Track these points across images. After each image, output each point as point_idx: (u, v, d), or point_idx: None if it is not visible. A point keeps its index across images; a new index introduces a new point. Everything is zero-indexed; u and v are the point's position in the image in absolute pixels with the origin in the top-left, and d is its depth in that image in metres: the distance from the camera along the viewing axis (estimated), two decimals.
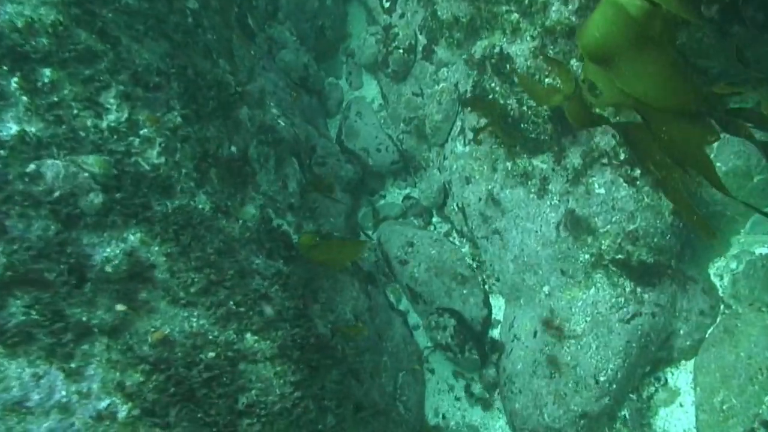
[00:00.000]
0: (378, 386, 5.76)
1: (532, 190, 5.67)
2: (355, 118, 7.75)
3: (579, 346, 5.28)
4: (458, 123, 6.47)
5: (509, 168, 5.84)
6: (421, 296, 6.47)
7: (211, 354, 3.85)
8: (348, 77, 8.35)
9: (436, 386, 6.41)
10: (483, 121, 5.90)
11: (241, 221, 5.07)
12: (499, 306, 6.41)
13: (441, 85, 6.52)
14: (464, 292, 6.30)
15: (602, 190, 5.08)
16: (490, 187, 6.08)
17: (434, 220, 7.38)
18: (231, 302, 4.17)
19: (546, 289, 5.71)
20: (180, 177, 4.69)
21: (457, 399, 6.32)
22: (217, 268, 4.31)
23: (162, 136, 4.56)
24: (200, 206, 4.72)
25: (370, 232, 7.57)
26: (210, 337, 3.96)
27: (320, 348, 4.51)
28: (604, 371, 5.12)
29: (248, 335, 4.13)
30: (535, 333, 5.73)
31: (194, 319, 3.97)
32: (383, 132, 7.66)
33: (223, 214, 4.92)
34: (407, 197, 7.70)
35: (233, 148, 5.60)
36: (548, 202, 5.52)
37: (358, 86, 8.27)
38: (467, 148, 6.26)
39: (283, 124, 6.60)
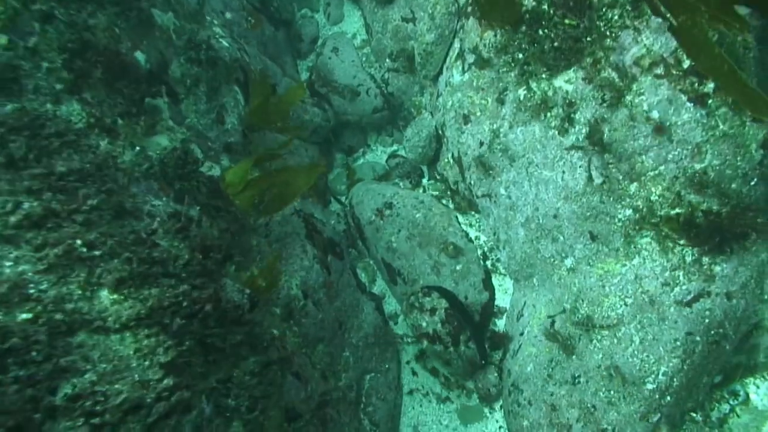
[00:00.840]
0: (332, 390, 4.38)
1: (552, 124, 4.30)
2: (331, 54, 6.42)
3: (616, 340, 3.89)
4: (456, 45, 5.13)
5: (522, 97, 4.48)
6: (400, 273, 5.09)
7: (24, 316, 2.52)
8: (326, 9, 7.04)
9: (417, 395, 5.01)
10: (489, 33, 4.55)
11: (137, 148, 3.79)
12: (504, 289, 5.01)
13: None
14: (457, 268, 4.92)
15: (655, 114, 3.71)
16: (495, 125, 4.72)
17: (425, 182, 6.02)
18: (78, 242, 2.84)
19: (569, 261, 4.32)
20: (37, 71, 3.45)
21: (446, 413, 4.92)
22: (67, 195, 3.00)
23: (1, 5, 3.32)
24: (65, 116, 3.46)
25: (342, 198, 6.23)
26: (31, 290, 2.62)
27: (226, 321, 3.16)
28: (653, 376, 3.71)
29: (104, 292, 2.82)
30: (553, 322, 4.33)
31: (8, 264, 2.65)
32: (364, 71, 6.33)
33: (106, 133, 3.66)
34: (393, 155, 6.36)
35: (140, 56, 4.31)
36: (574, 138, 4.14)
37: (337, 19, 6.96)
38: (466, 76, 4.91)
39: (225, 44, 5.30)
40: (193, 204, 3.94)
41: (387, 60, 6.16)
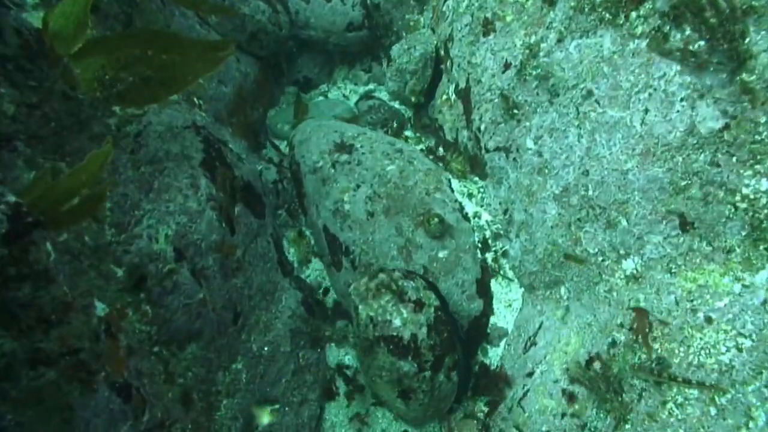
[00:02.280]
0: (194, 425, 2.64)
1: (639, 30, 2.70)
2: None
3: (714, 410, 2.28)
4: None
5: None
6: (349, 252, 3.39)
7: None
8: None
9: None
10: None
11: None
12: (507, 301, 3.35)
13: None
14: (440, 255, 3.24)
15: None
16: (534, 38, 3.11)
17: (408, 134, 4.35)
18: None
19: (631, 263, 2.69)
20: None
21: None
22: None
23: None
24: None
25: (283, 145, 4.53)
26: None
27: None
28: None
29: None
30: (590, 360, 2.67)
31: None
32: None
33: None
34: (367, 96, 4.69)
35: None
36: (675, 45, 2.52)
37: None
38: None
39: None
40: None
41: None
